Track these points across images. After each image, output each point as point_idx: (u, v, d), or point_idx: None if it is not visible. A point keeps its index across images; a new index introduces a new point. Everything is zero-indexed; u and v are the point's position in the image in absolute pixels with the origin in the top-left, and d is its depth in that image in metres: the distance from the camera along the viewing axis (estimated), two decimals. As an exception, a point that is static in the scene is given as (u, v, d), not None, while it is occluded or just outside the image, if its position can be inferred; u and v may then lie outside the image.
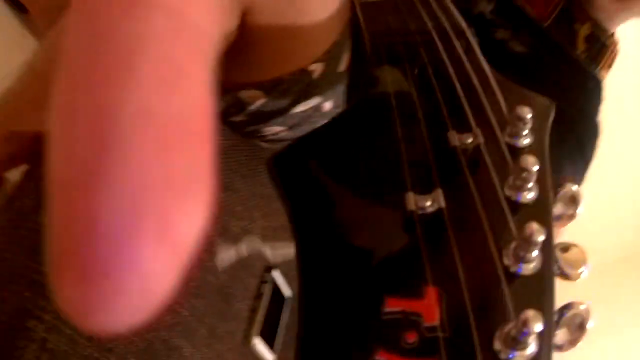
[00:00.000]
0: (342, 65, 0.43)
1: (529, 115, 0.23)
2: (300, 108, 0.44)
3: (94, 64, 0.11)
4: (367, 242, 0.20)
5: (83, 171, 0.11)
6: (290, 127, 0.47)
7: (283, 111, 0.44)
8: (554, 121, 0.24)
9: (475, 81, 0.25)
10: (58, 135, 0.11)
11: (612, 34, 0.71)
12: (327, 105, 0.46)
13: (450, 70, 0.25)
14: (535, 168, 0.21)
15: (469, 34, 0.27)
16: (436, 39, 0.27)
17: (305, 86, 0.41)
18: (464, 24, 0.27)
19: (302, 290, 0.18)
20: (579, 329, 0.18)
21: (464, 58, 0.26)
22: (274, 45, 0.36)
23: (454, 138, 0.23)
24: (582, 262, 0.20)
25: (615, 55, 0.72)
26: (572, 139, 0.66)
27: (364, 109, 0.25)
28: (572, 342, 0.18)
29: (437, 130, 0.24)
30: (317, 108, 0.45)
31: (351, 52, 0.42)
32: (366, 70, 0.26)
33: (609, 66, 0.73)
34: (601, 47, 0.70)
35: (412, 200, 0.21)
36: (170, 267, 0.11)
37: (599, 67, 0.70)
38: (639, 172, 1.93)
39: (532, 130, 0.23)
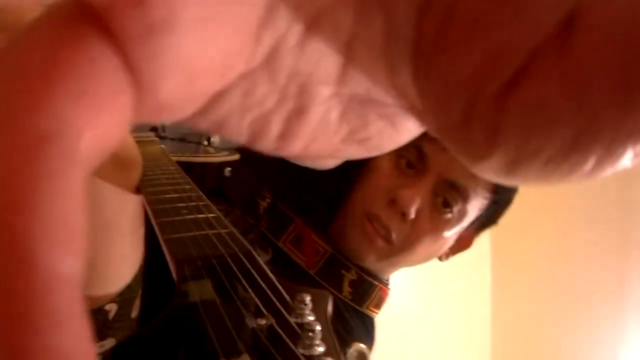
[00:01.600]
0: (134, 312, 0.46)
1: (308, 299, 0.30)
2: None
3: None
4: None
5: None
6: None
7: None
8: None
9: (262, 284, 0.32)
10: None
11: (382, 279, 0.80)
12: None
13: (241, 278, 0.32)
14: (318, 328, 0.27)
15: (255, 254, 0.34)
16: (229, 259, 0.34)
17: (101, 325, 0.43)
18: (250, 248, 0.35)
19: None
20: None
21: (252, 270, 0.33)
22: None
23: (251, 322, 0.29)
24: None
25: (382, 296, 0.80)
26: None
27: (178, 316, 0.30)
28: None
29: (237, 320, 0.29)
30: None
31: (141, 302, 0.46)
32: (176, 286, 0.32)
33: (377, 305, 0.80)
34: (367, 289, 0.77)
35: (225, 364, 0.25)
36: None
37: (364, 306, 0.78)
38: None
39: (314, 311, 0.30)
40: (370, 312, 0.79)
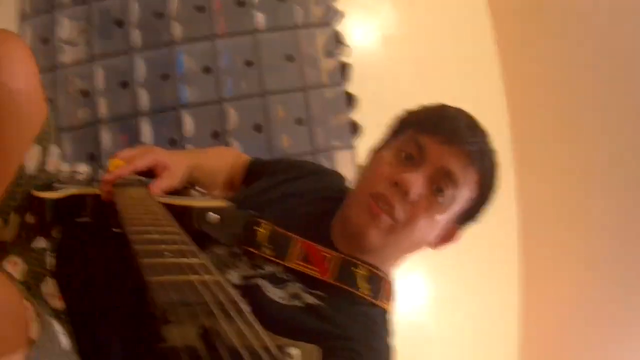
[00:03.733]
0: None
1: (296, 352, 0.29)
2: None
3: None
4: None
5: None
6: None
7: None
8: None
9: (247, 332, 0.30)
10: None
11: (388, 273, 0.85)
12: None
13: (226, 327, 0.31)
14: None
15: (240, 301, 0.33)
16: (212, 307, 0.32)
17: None
18: (235, 295, 0.34)
19: None
20: None
21: (237, 318, 0.32)
22: None
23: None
24: None
25: (392, 289, 0.85)
26: None
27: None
28: None
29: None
30: None
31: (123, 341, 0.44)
32: (155, 329, 0.30)
33: (388, 298, 0.84)
34: (378, 282, 0.82)
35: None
36: None
37: (380, 299, 0.82)
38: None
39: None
40: (386, 306, 0.84)
